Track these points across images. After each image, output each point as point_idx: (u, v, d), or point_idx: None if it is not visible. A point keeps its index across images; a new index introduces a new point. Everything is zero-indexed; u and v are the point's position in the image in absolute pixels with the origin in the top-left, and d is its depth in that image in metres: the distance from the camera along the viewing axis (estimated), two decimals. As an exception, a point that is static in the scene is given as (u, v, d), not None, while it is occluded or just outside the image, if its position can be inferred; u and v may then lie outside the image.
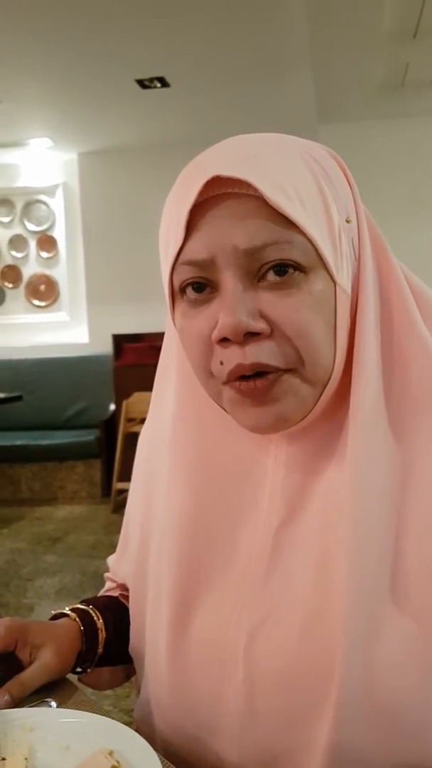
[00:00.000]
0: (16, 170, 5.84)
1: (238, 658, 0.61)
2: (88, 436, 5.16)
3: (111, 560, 0.91)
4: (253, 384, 0.57)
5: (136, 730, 0.60)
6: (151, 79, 4.14)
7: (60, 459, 5.15)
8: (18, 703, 0.67)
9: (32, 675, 0.70)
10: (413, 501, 0.58)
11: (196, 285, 0.59)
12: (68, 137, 5.30)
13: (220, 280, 0.57)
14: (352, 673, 0.54)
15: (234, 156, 0.57)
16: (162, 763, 0.55)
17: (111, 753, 0.55)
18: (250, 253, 0.56)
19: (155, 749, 0.59)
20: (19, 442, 5.19)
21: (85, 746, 0.57)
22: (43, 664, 0.71)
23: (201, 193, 0.56)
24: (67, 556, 3.86)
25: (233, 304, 0.56)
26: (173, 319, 0.63)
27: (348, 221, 0.59)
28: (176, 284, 0.60)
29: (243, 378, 0.57)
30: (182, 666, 0.65)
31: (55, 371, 5.58)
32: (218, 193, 0.56)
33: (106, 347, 5.59)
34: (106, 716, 0.62)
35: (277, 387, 0.58)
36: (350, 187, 0.61)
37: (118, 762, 0.54)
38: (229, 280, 0.56)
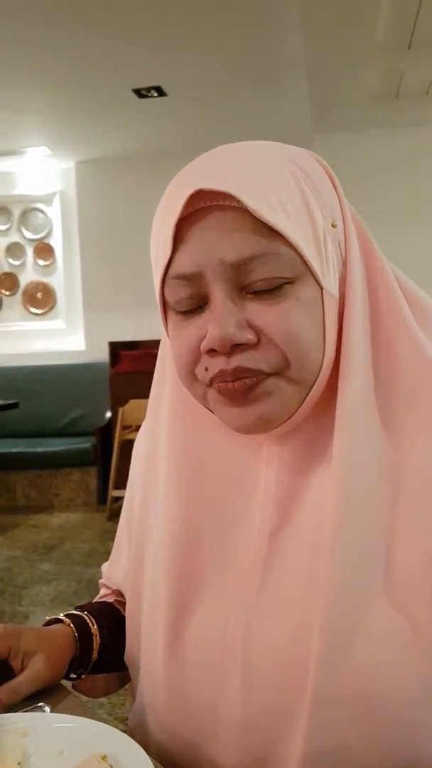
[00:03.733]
0: (13, 178, 5.86)
1: (236, 663, 0.61)
2: (84, 443, 5.15)
3: (105, 567, 0.91)
4: (232, 386, 0.58)
5: (131, 737, 0.60)
6: (148, 89, 4.16)
7: (56, 466, 5.14)
8: (9, 708, 0.67)
9: (23, 682, 0.70)
10: (406, 498, 0.58)
11: (187, 298, 0.59)
12: (66, 146, 5.32)
13: (209, 293, 0.58)
14: (327, 672, 0.55)
15: (217, 168, 0.58)
16: (156, 767, 0.56)
17: (104, 757, 0.56)
18: (237, 266, 0.56)
19: (150, 756, 0.59)
20: (15, 450, 5.18)
21: (79, 750, 0.57)
22: (34, 671, 0.71)
23: (187, 206, 0.56)
24: (63, 563, 3.85)
25: (221, 317, 0.56)
26: (165, 329, 0.64)
27: (334, 225, 0.60)
28: (167, 297, 0.61)
29: (225, 380, 0.58)
30: (179, 672, 0.65)
31: (52, 378, 5.58)
32: (204, 205, 0.56)
33: (103, 355, 5.59)
34: (99, 721, 0.62)
35: (259, 388, 0.58)
36: (336, 191, 0.62)
37: (111, 766, 0.54)
38: (218, 293, 0.57)
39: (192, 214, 0.57)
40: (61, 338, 5.84)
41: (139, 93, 4.22)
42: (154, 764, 0.57)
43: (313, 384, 0.60)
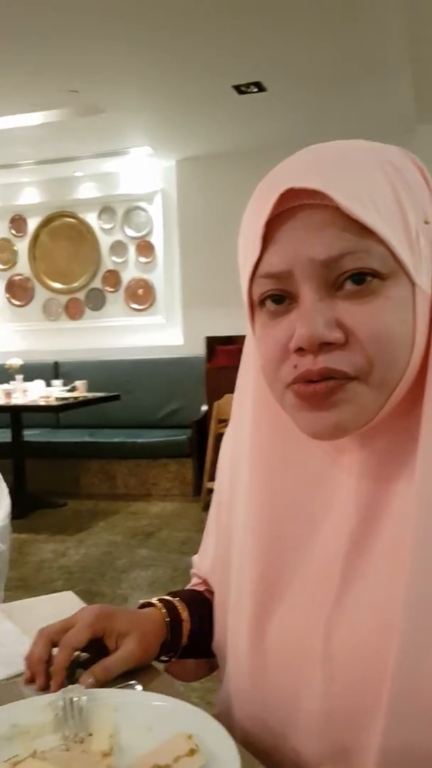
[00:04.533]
0: (117, 178, 6.05)
1: (316, 658, 0.63)
2: (181, 435, 5.27)
3: (196, 558, 0.94)
4: (313, 388, 0.58)
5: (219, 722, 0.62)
6: (248, 84, 4.18)
7: (154, 457, 5.29)
8: (102, 685, 0.71)
9: (116, 660, 0.74)
10: None
11: (276, 297, 0.60)
12: (167, 144, 5.43)
13: (299, 292, 0.58)
14: (406, 671, 0.55)
15: (307, 167, 0.58)
16: (239, 751, 0.58)
17: (190, 737, 0.58)
18: (326, 264, 0.56)
19: (234, 740, 0.62)
20: (116, 440, 5.38)
21: (166, 728, 0.61)
22: (127, 651, 0.75)
23: (276, 206, 0.57)
24: (160, 550, 3.97)
25: (310, 315, 0.57)
26: (253, 328, 0.65)
27: (427, 222, 0.59)
28: (255, 296, 0.62)
29: (307, 381, 0.58)
30: (262, 663, 0.68)
31: (151, 372, 5.74)
32: (293, 205, 0.57)
33: (200, 349, 5.68)
34: (189, 702, 0.66)
35: (338, 394, 0.58)
36: (429, 188, 0.61)
37: (196, 746, 0.57)
38: (307, 292, 0.57)
39: (281, 213, 0.58)
40: (160, 333, 5.98)
41: (239, 89, 4.25)
42: (238, 748, 0.59)
43: (396, 386, 0.59)
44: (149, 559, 3.83)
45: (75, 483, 5.47)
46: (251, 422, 0.72)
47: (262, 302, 0.62)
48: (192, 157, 5.72)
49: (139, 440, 5.33)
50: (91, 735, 0.61)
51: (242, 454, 0.74)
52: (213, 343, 5.55)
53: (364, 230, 0.55)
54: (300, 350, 0.58)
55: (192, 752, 0.56)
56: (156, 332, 6.00)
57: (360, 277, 0.56)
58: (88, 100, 4.41)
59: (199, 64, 3.90)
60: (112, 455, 5.39)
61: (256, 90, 4.26)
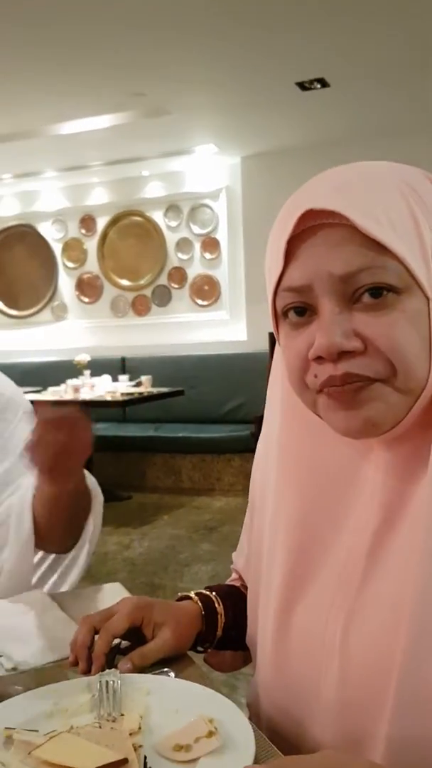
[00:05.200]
0: (183, 177, 6.14)
1: (334, 649, 0.67)
2: (244, 431, 5.31)
3: (234, 554, 0.99)
4: (341, 389, 0.62)
5: (249, 711, 0.66)
6: (311, 81, 4.18)
7: (218, 452, 5.36)
8: (138, 671, 0.77)
9: (152, 648, 0.80)
10: None
11: (297, 309, 0.64)
12: (232, 142, 5.48)
13: (318, 304, 0.62)
14: (413, 662, 0.59)
15: (326, 189, 0.62)
16: (257, 735, 0.63)
17: (211, 720, 0.63)
18: (345, 279, 0.60)
19: (261, 728, 0.67)
20: (180, 434, 5.48)
21: (192, 712, 0.66)
22: (162, 640, 0.81)
23: (298, 225, 0.61)
24: (222, 545, 4.02)
25: (329, 327, 0.61)
26: (277, 337, 0.70)
27: None
28: (279, 308, 0.66)
29: (334, 385, 0.62)
30: (284, 654, 0.72)
31: (215, 368, 5.81)
32: (314, 224, 0.61)
33: (263, 345, 5.69)
34: (217, 691, 0.71)
35: (366, 393, 0.61)
36: None
37: (215, 729, 0.62)
38: (326, 305, 0.61)
39: (303, 232, 0.62)
40: (224, 329, 6.04)
41: (303, 86, 4.25)
42: (258, 735, 0.64)
43: (421, 393, 0.62)
44: (211, 553, 3.89)
45: (140, 476, 5.60)
46: (280, 423, 0.76)
47: (285, 314, 0.66)
48: (256, 154, 5.75)
49: (203, 435, 5.41)
50: (122, 715, 0.67)
51: (270, 456, 0.79)
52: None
53: (380, 247, 0.59)
54: (319, 359, 0.62)
55: (210, 734, 0.61)
56: (220, 328, 6.07)
57: (377, 291, 0.60)
58: (154, 102, 4.50)
59: (262, 62, 3.92)
60: (176, 449, 5.49)
61: (319, 86, 4.25)
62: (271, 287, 0.66)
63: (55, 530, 1.12)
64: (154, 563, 3.78)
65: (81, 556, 1.16)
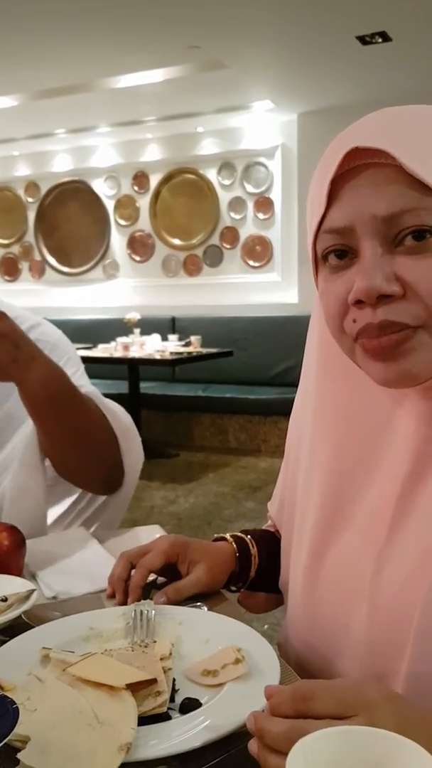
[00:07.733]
0: (238, 133, 6.04)
1: (364, 592, 0.68)
2: (291, 393, 5.24)
3: (269, 503, 1.01)
4: (377, 342, 0.61)
5: (279, 650, 0.68)
6: (372, 35, 4.04)
7: (265, 414, 5.38)
8: (173, 604, 0.80)
9: (186, 584, 0.83)
10: None
11: (338, 252, 0.64)
12: (289, 98, 5.36)
13: (360, 247, 0.62)
14: (429, 610, 0.60)
15: (373, 128, 0.62)
16: (282, 666, 0.64)
17: (239, 650, 0.66)
18: (387, 220, 0.59)
19: (290, 665, 0.69)
20: (228, 395, 5.50)
21: (221, 642, 0.69)
22: (196, 576, 0.84)
23: (342, 165, 0.61)
24: (265, 504, 4.02)
25: (370, 269, 0.60)
26: (316, 282, 0.69)
27: None
28: (319, 251, 0.66)
29: (371, 336, 0.62)
30: (315, 593, 0.74)
31: (265, 330, 5.78)
32: (358, 164, 0.60)
33: (315, 308, 5.65)
34: (248, 625, 0.73)
35: (405, 344, 0.61)
36: None
37: (242, 657, 0.64)
38: (368, 247, 0.61)
39: (347, 172, 0.61)
40: (275, 291, 5.99)
41: (363, 40, 4.11)
42: (284, 666, 0.66)
43: None
44: (255, 512, 3.94)
45: (188, 435, 5.67)
46: (315, 373, 0.77)
47: (325, 257, 0.66)
48: (314, 111, 5.61)
49: (251, 396, 5.43)
50: (155, 642, 0.70)
51: (307, 404, 0.79)
52: (328, 302, 5.49)
53: (425, 189, 0.58)
54: (359, 303, 0.62)
55: (237, 662, 0.63)
56: (271, 291, 6.02)
57: (420, 233, 0.59)
58: (209, 55, 4.43)
59: (321, 15, 3.80)
60: (224, 410, 5.53)
61: (380, 40, 4.11)
62: (312, 229, 0.66)
63: (62, 445, 1.09)
64: (199, 518, 3.85)
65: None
